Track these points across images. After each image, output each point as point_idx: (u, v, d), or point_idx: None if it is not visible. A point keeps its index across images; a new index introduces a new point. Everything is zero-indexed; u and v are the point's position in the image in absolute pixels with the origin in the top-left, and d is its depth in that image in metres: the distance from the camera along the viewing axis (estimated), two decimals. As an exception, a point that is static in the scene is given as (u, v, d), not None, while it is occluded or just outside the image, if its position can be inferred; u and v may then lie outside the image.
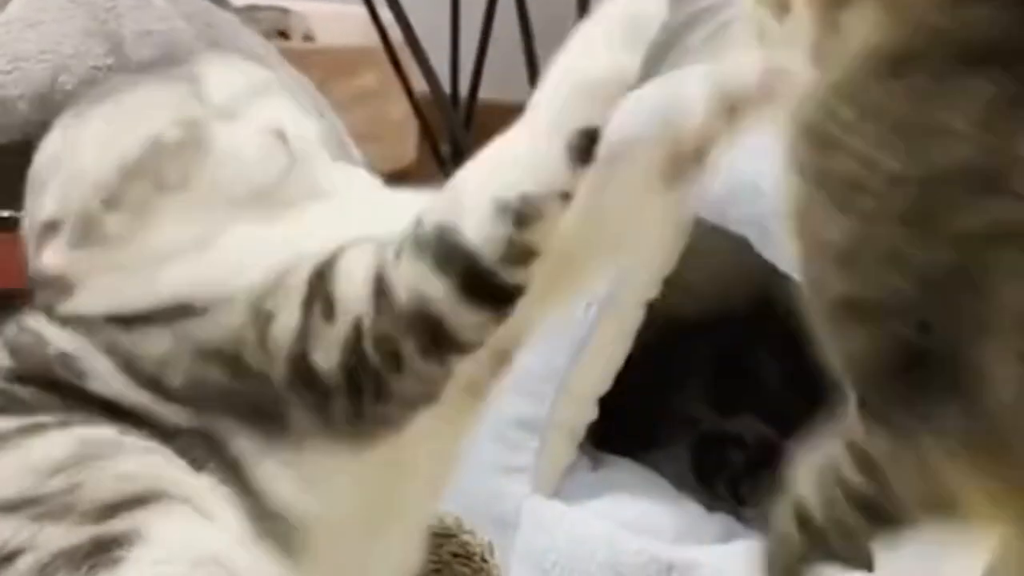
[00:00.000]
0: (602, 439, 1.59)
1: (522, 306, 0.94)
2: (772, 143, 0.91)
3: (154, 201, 0.98)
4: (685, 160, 0.97)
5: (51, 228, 1.01)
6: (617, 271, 1.37)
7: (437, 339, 0.92)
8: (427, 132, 2.61)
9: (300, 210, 1.00)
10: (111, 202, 0.98)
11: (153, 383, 0.96)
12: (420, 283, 0.92)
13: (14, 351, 1.00)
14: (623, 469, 1.59)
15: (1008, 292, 0.84)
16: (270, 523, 0.95)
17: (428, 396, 0.95)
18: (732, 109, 0.95)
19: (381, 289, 0.92)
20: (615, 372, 1.54)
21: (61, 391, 0.97)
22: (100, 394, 0.97)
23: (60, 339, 0.99)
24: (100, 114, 1.03)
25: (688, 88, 0.96)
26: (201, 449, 0.95)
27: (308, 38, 2.91)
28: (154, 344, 0.97)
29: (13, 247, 1.06)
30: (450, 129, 2.51)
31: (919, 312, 0.86)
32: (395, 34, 2.54)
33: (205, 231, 0.98)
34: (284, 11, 2.88)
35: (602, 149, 0.93)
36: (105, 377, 0.97)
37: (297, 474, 0.95)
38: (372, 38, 2.59)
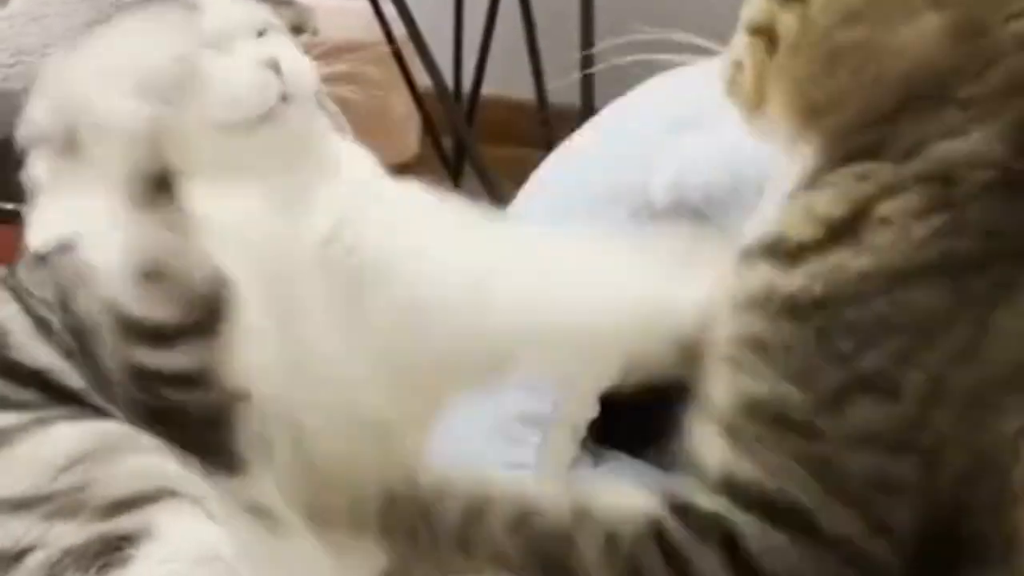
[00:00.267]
0: (604, 435, 1.59)
1: None
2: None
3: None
4: None
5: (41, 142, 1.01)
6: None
7: None
8: (430, 126, 2.62)
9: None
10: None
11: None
12: None
13: None
14: (625, 465, 1.59)
15: None
16: None
17: None
18: None
19: None
20: (617, 368, 1.54)
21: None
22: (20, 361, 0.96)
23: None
24: (101, 37, 1.03)
25: None
26: None
27: (313, 32, 2.90)
28: None
29: (15, 239, 1.06)
30: (453, 124, 2.51)
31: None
32: (398, 29, 2.54)
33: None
34: (290, 3, 2.87)
35: None
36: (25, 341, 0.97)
37: None
38: (375, 33, 2.60)
